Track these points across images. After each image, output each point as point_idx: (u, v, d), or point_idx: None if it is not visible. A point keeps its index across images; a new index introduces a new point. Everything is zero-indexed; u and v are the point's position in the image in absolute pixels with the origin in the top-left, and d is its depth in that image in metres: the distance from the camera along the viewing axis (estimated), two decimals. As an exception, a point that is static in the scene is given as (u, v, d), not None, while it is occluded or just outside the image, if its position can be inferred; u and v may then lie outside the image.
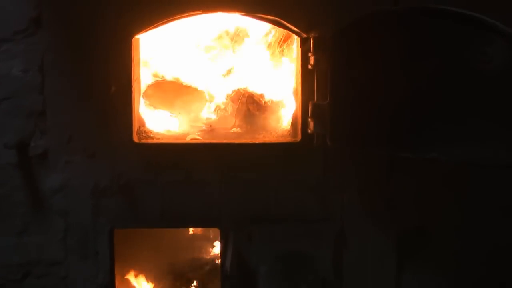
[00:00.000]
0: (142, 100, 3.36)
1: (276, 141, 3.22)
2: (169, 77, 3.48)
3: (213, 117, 3.46)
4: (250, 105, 3.34)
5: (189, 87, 3.42)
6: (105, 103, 3.03)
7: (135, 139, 3.12)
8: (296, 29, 3.06)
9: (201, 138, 3.27)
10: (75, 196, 3.10)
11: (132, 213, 3.11)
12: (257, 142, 3.21)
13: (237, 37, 3.46)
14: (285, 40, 3.46)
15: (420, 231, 3.19)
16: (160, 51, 3.45)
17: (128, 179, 3.08)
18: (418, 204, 3.16)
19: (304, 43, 3.04)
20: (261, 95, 3.38)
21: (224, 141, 3.20)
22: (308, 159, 3.10)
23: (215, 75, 3.52)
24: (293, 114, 3.25)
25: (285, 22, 3.06)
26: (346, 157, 3.10)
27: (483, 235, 3.20)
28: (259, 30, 3.48)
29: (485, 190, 3.17)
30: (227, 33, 3.50)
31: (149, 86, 3.42)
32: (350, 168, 3.13)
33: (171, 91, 3.42)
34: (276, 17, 3.04)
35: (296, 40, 3.23)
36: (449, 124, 2.84)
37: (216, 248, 3.66)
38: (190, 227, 3.51)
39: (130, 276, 3.63)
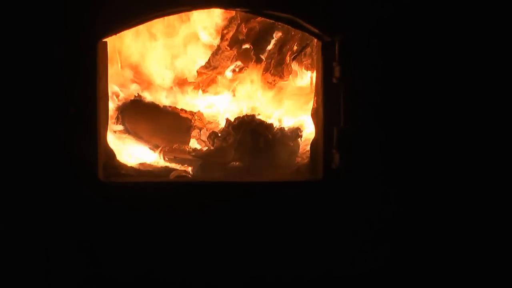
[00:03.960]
0: (111, 125, 3.05)
1: (290, 179, 2.93)
2: (147, 94, 3.27)
3: (205, 147, 3.18)
4: (256, 136, 3.06)
5: (174, 109, 3.23)
6: (61, 128, 2.71)
7: (101, 176, 2.78)
8: (316, 31, 2.77)
9: (189, 175, 2.98)
10: (22, 255, 2.72)
11: (97, 278, 2.75)
12: (265, 180, 2.91)
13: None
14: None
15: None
16: (136, 58, 3.25)
17: (91, 232, 2.73)
18: (488, 258, 2.71)
19: (326, 49, 2.74)
20: (270, 125, 3.12)
21: (221, 180, 2.93)
22: (333, 203, 2.74)
23: (211, 94, 3.37)
24: (312, 143, 2.92)
25: (301, 21, 2.77)
26: (385, 200, 2.72)
27: None
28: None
29: None
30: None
31: (122, 107, 3.21)
32: (391, 214, 2.74)
33: (150, 114, 3.22)
34: (290, 14, 2.74)
35: (316, 46, 2.97)
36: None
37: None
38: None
39: None
